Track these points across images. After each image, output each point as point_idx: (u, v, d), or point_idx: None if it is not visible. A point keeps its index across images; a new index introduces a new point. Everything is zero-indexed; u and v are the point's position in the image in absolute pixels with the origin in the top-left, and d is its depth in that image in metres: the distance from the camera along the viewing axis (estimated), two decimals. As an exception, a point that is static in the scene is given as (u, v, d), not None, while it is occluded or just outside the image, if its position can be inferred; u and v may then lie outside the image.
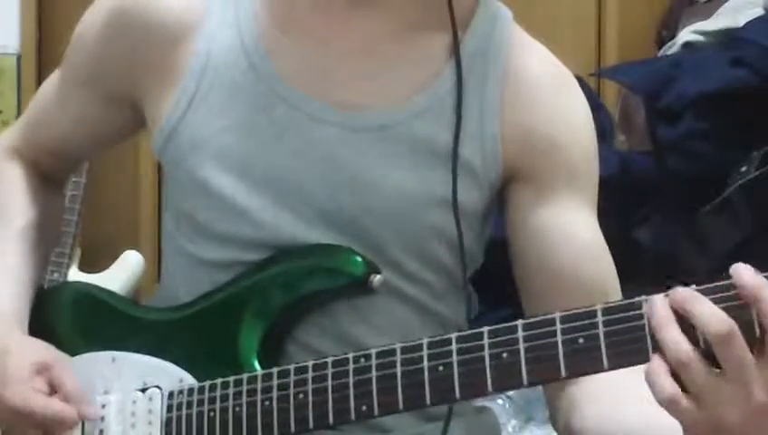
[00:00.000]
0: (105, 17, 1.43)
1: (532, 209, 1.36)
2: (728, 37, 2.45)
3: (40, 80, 3.15)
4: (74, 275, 3.02)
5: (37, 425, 1.33)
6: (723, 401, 1.05)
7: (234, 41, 1.37)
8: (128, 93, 1.43)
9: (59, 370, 1.35)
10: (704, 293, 1.07)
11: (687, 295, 1.07)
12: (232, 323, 1.35)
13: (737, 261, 1.09)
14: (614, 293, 1.35)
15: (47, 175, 1.56)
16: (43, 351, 1.38)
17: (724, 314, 1.05)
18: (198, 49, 1.37)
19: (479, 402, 1.53)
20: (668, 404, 1.07)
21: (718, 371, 1.06)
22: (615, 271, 1.38)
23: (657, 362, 1.07)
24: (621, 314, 1.11)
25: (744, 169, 2.22)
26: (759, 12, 2.47)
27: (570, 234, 1.35)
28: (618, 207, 2.35)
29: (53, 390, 1.34)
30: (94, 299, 1.48)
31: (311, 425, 1.24)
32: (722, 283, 1.08)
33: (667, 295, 1.09)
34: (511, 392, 2.28)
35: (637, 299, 1.11)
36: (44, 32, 3.26)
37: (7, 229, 1.49)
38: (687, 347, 1.06)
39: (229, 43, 1.37)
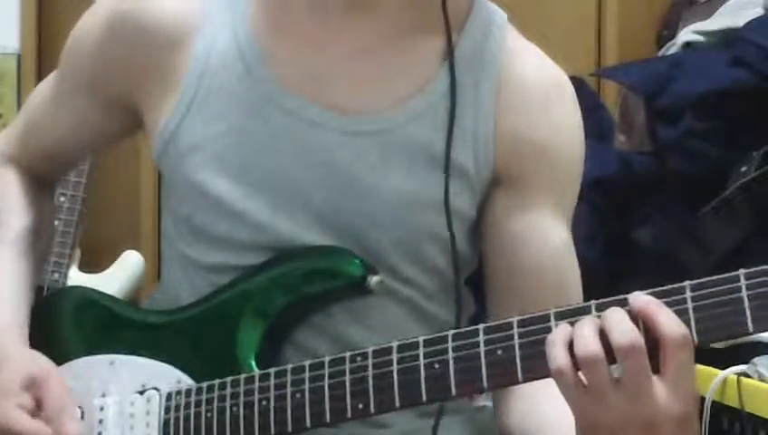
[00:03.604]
0: (103, 21, 1.42)
1: (510, 213, 1.37)
2: (728, 37, 2.44)
3: (40, 80, 3.13)
4: (74, 275, 3.02)
5: None
6: (609, 406, 1.09)
7: (230, 45, 1.37)
8: (127, 98, 1.42)
9: (45, 387, 1.34)
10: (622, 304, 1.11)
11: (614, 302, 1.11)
12: (230, 325, 1.35)
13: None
14: (577, 298, 1.36)
15: (40, 178, 1.56)
16: (35, 364, 1.37)
17: (630, 326, 1.09)
18: (196, 53, 1.37)
19: (480, 402, 1.54)
20: (556, 374, 1.10)
21: (617, 377, 1.09)
22: (580, 281, 1.40)
23: (561, 330, 1.11)
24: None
25: (744, 169, 2.22)
26: (759, 12, 2.47)
27: (544, 241, 1.36)
28: (618, 207, 2.35)
29: (40, 405, 1.33)
30: (93, 303, 1.48)
31: (307, 424, 1.24)
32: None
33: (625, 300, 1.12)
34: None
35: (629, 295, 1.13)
36: (44, 32, 3.26)
37: (3, 235, 1.49)
38: (597, 348, 1.09)
39: (226, 48, 1.37)
